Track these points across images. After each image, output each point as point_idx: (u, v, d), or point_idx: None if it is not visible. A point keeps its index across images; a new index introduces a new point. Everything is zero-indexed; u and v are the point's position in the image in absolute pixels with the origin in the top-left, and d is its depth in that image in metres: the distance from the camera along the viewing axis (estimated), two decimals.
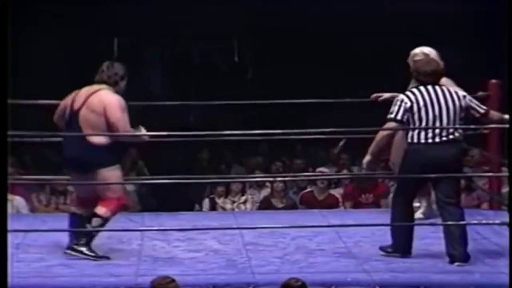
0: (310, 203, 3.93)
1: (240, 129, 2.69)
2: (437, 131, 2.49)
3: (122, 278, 2.34)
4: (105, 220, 2.51)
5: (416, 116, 2.51)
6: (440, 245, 2.71)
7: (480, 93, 3.23)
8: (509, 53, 2.69)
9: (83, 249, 2.49)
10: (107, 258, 2.53)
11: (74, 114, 2.51)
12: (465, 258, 2.49)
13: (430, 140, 2.50)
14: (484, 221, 2.87)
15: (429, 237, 2.80)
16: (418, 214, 3.05)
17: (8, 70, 2.08)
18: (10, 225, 2.47)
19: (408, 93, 2.57)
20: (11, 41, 2.22)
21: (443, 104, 2.53)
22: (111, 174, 2.49)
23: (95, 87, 2.54)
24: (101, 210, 2.50)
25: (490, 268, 2.46)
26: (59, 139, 2.93)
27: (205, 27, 5.56)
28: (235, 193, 3.98)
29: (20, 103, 2.85)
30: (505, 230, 2.53)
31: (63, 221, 2.65)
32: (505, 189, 3.32)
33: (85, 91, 2.54)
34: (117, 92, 2.55)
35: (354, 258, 2.57)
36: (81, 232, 2.49)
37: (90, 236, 2.49)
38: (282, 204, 3.90)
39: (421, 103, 2.52)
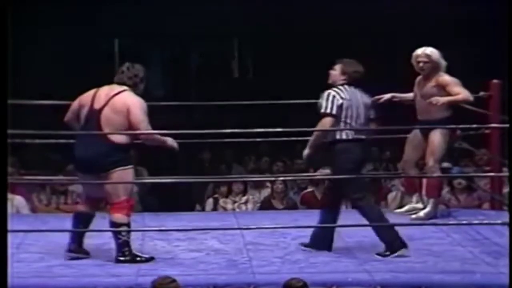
0: (310, 203, 3.92)
1: (240, 129, 2.68)
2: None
3: (123, 278, 2.33)
4: (128, 225, 2.48)
5: (343, 114, 2.61)
6: (441, 245, 2.71)
7: (482, 93, 3.24)
8: (509, 53, 2.69)
9: (130, 257, 2.47)
10: (153, 258, 2.52)
11: (95, 113, 2.47)
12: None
13: (355, 137, 2.61)
14: (485, 221, 2.86)
15: (430, 237, 2.80)
16: (420, 214, 3.04)
17: (8, 70, 2.05)
18: (11, 225, 2.47)
19: (337, 90, 2.65)
20: (11, 41, 2.20)
21: (361, 104, 2.65)
22: (126, 173, 2.47)
23: (116, 87, 2.51)
24: (118, 218, 2.48)
25: (492, 268, 2.45)
26: (61, 139, 2.90)
27: (206, 28, 5.56)
28: (236, 193, 3.97)
29: (20, 103, 2.84)
30: (507, 230, 2.52)
31: (64, 221, 2.64)
32: (506, 189, 3.31)
33: (105, 91, 2.51)
34: (137, 94, 2.53)
35: (355, 258, 2.57)
36: (122, 244, 2.46)
37: (128, 243, 2.47)
38: (283, 205, 3.89)
39: (348, 102, 2.62)
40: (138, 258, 2.51)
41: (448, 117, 3.02)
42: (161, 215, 3.24)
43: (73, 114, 2.55)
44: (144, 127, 2.47)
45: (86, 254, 2.54)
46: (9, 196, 3.56)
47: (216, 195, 3.98)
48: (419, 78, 3.08)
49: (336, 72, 2.67)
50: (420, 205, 3.12)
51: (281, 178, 3.88)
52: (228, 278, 2.34)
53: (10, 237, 2.32)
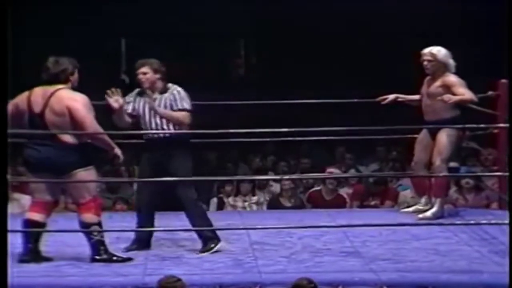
0: (317, 202, 3.92)
1: (246, 129, 2.68)
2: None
3: (130, 278, 2.34)
4: (99, 224, 2.45)
5: None
6: (448, 244, 2.69)
7: (490, 93, 3.21)
8: (509, 53, 2.67)
9: (106, 256, 2.46)
10: (130, 259, 2.50)
11: (37, 117, 2.40)
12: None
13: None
14: (493, 221, 2.85)
15: (437, 237, 2.78)
16: (427, 214, 3.03)
17: (8, 70, 2.01)
18: (20, 225, 2.48)
19: (177, 87, 2.64)
20: (16, 41, 2.19)
21: None
22: (87, 174, 2.42)
23: (50, 88, 2.41)
24: (88, 217, 2.45)
25: (499, 268, 2.43)
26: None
27: (211, 27, 5.58)
28: (244, 193, 3.97)
29: None
30: None
31: (72, 221, 2.63)
32: None
33: (40, 92, 2.41)
34: (73, 88, 2.44)
35: (361, 258, 2.56)
36: (96, 243, 2.44)
37: (102, 242, 2.46)
38: (291, 203, 3.89)
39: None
40: (115, 258, 2.47)
41: (456, 117, 3.00)
42: (167, 215, 3.26)
43: (13, 119, 2.42)
44: (90, 123, 2.38)
45: (46, 260, 2.46)
46: (17, 196, 3.59)
47: (220, 195, 3.98)
48: (428, 77, 3.07)
49: (149, 75, 2.58)
50: (427, 207, 3.10)
51: (286, 177, 3.87)
52: (234, 277, 2.34)
53: (18, 237, 2.36)
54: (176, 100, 2.60)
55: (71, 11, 5.33)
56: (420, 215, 3.06)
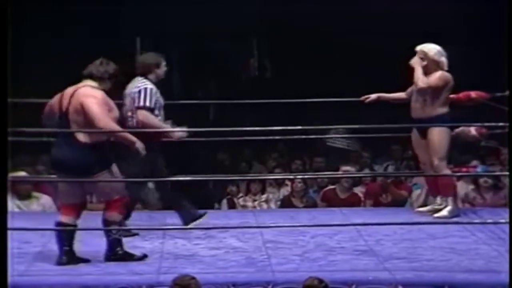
0: (331, 201, 3.90)
1: (259, 127, 2.68)
2: None
3: (145, 276, 2.36)
4: (119, 223, 2.47)
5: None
6: (465, 243, 2.65)
7: (508, 92, 3.15)
8: (509, 53, 2.61)
9: (120, 255, 2.46)
10: (145, 256, 2.51)
11: (63, 116, 2.39)
12: None
13: None
14: (503, 220, 2.79)
15: (454, 236, 2.75)
16: (443, 212, 3.00)
17: (8, 70, 2.00)
18: (40, 223, 2.54)
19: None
20: (22, 40, 2.19)
21: None
22: (110, 176, 2.41)
23: (79, 85, 2.42)
24: (111, 215, 2.46)
25: None
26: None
27: (224, 27, 5.59)
28: (254, 192, 3.97)
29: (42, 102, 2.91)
30: None
31: (89, 220, 2.65)
32: None
33: (70, 90, 2.41)
34: (103, 89, 2.42)
35: (376, 257, 2.53)
36: (113, 241, 2.45)
37: (119, 241, 2.46)
38: (303, 203, 3.87)
39: None
40: (129, 257, 2.47)
41: (443, 114, 2.93)
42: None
43: (46, 116, 2.45)
44: (101, 119, 2.31)
45: (83, 261, 2.47)
46: (37, 195, 3.63)
47: (228, 196, 3.96)
48: None
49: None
50: (442, 207, 3.04)
51: (299, 177, 3.86)
52: (247, 276, 2.35)
53: (37, 236, 2.40)
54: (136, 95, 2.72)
55: (86, 10, 5.38)
56: (436, 214, 3.02)
